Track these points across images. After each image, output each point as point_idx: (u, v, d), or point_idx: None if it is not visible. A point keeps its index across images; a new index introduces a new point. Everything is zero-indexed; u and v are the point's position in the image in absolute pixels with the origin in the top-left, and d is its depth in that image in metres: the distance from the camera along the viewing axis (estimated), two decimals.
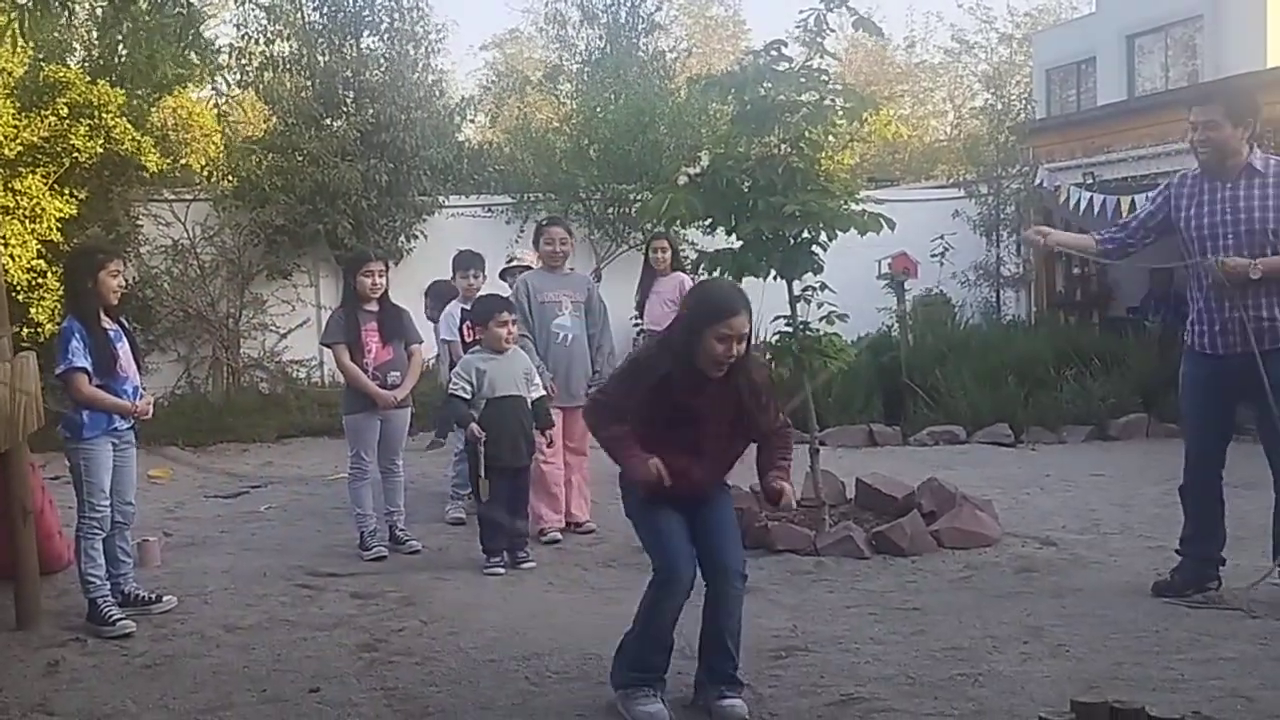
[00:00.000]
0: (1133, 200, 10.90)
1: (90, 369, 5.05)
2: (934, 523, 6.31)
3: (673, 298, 8.17)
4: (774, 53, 6.15)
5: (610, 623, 5.00)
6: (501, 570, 5.94)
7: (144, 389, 5.41)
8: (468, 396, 6.03)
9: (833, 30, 6.26)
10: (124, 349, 5.27)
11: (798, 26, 6.24)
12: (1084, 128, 12.70)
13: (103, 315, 5.21)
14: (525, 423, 6.13)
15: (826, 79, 6.27)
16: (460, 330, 7.34)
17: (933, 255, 12.02)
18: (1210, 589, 5.07)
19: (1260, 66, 13.77)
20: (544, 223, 7.20)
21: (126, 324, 5.50)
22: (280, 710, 4.09)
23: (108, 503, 5.14)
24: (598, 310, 6.93)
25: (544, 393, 6.30)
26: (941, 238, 12.17)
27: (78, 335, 5.06)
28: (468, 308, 7.38)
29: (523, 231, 11.66)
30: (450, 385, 6.22)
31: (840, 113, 6.27)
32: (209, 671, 4.52)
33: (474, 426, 5.96)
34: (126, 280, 5.90)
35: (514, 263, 7.94)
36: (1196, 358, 5.10)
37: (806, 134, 6.23)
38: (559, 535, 6.58)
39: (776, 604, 5.27)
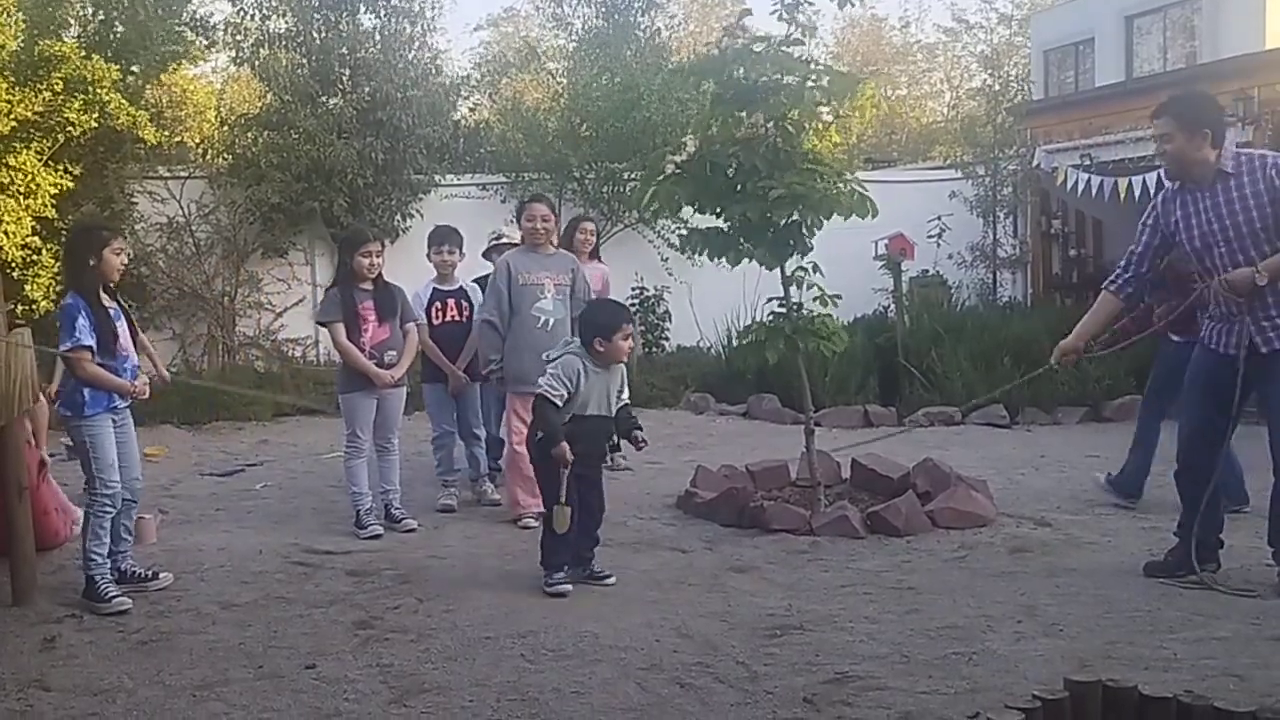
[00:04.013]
0: (1129, 182, 10.91)
1: (94, 347, 5.04)
2: (929, 503, 6.33)
3: (596, 288, 7.77)
4: (741, 29, 6.04)
5: (604, 600, 5.03)
6: (568, 588, 5.17)
7: (150, 364, 5.39)
8: (559, 403, 5.16)
9: (813, 5, 6.13)
10: (122, 328, 5.25)
11: (776, 5, 6.14)
12: (1082, 109, 12.69)
13: (101, 293, 5.20)
14: (606, 440, 5.63)
15: (805, 61, 6.14)
16: (429, 311, 7.11)
17: (929, 236, 12.02)
18: (1207, 570, 5.08)
19: (1259, 48, 13.72)
20: (526, 199, 6.99)
21: (121, 303, 5.48)
22: (276, 686, 4.10)
23: (118, 479, 5.13)
24: (582, 292, 6.59)
25: (627, 400, 5.56)
26: (938, 219, 12.17)
27: (84, 312, 5.04)
28: (440, 286, 7.20)
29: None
30: (546, 383, 5.21)
31: (823, 93, 6.12)
32: (205, 648, 4.52)
33: (565, 448, 5.09)
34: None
35: (502, 239, 7.51)
36: (1206, 350, 5.08)
37: (789, 115, 6.09)
38: (534, 521, 6.16)
39: (772, 583, 5.29)
